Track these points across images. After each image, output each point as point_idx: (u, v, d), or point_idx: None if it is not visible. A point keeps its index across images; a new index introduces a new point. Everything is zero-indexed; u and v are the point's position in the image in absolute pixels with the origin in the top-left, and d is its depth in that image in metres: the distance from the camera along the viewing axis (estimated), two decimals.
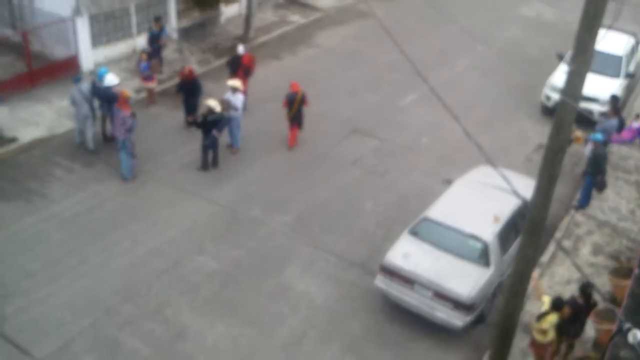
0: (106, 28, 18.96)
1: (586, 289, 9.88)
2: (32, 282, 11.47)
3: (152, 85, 17.36)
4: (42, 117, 16.24)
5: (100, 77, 15.09)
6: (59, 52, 18.17)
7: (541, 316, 9.63)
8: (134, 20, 19.67)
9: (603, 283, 11.75)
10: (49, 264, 11.91)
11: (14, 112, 16.29)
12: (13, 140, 15.20)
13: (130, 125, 13.94)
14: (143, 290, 11.48)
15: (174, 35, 21.09)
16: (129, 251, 12.35)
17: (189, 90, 15.88)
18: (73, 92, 14.85)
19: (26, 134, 15.41)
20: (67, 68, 17.86)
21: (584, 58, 7.08)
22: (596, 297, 10.22)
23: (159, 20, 18.60)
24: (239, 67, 16.81)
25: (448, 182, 12.81)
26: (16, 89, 16.70)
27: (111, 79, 14.89)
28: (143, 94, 17.62)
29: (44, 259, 12.01)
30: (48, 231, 12.73)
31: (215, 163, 14.94)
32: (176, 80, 17.28)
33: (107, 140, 15.43)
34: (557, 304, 9.59)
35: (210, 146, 14.65)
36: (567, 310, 9.72)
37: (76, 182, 14.18)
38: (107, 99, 14.82)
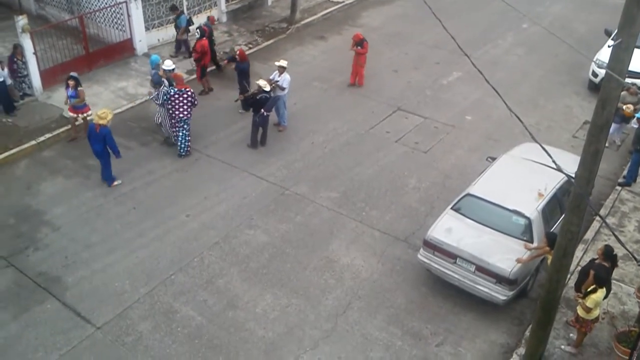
0: (158, 12, 19.48)
1: (611, 252, 9.80)
2: (92, 254, 11.88)
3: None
4: (100, 98, 16.77)
5: (152, 64, 15.61)
6: (114, 36, 18.65)
7: (586, 293, 9.47)
8: (184, 3, 20.14)
9: None
10: (107, 236, 12.33)
11: None
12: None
13: (195, 102, 14.49)
14: (196, 261, 11.82)
15: (223, 18, 21.53)
16: (183, 225, 12.71)
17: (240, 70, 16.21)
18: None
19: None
20: (122, 51, 18.44)
21: (630, 31, 6.74)
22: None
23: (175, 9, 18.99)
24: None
25: (492, 160, 12.74)
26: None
27: (168, 64, 15.14)
28: (194, 76, 17.82)
29: (103, 232, 12.44)
30: (106, 206, 13.18)
31: (263, 141, 15.24)
32: (225, 61, 17.74)
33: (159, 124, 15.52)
34: (601, 280, 9.38)
35: (260, 124, 14.93)
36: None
37: (133, 160, 14.58)
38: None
